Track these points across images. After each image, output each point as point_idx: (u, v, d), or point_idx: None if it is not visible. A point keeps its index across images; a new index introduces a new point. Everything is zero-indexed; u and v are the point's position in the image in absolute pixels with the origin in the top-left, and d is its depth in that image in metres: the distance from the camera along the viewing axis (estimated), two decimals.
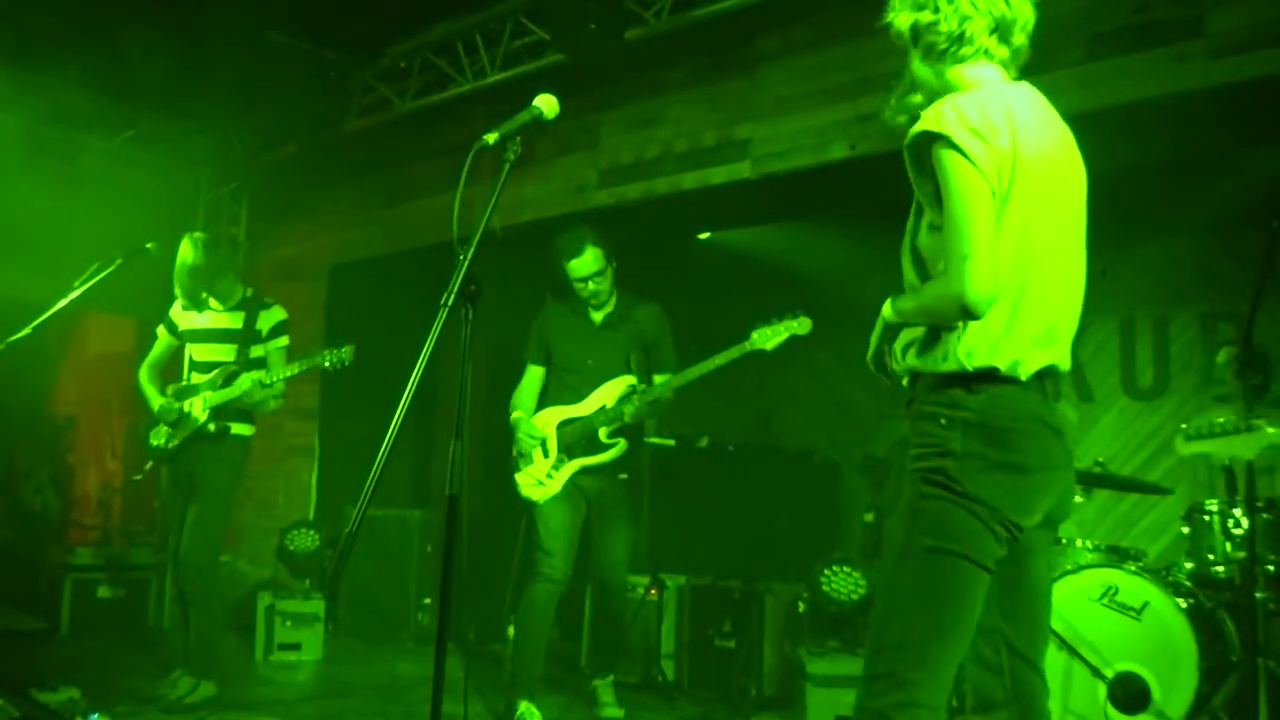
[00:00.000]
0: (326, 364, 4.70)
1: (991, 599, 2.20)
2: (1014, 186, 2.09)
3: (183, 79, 6.39)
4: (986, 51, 2.27)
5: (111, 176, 7.29)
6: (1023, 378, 2.12)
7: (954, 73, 2.28)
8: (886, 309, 2.29)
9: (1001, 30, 2.28)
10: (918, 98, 2.37)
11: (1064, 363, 2.21)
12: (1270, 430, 3.82)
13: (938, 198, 2.12)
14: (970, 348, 2.11)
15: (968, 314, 2.04)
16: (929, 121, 2.10)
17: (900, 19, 2.34)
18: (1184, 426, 4.02)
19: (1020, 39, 2.32)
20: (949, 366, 2.13)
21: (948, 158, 2.07)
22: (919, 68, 2.34)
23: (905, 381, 2.32)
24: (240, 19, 5.86)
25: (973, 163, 2.05)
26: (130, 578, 6.72)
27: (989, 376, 2.11)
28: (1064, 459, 2.20)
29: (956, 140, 2.06)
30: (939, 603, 2.09)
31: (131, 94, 6.91)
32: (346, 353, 4.71)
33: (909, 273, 2.27)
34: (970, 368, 2.11)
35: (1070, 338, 2.23)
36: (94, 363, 8.85)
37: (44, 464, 8.34)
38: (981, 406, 2.10)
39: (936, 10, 2.27)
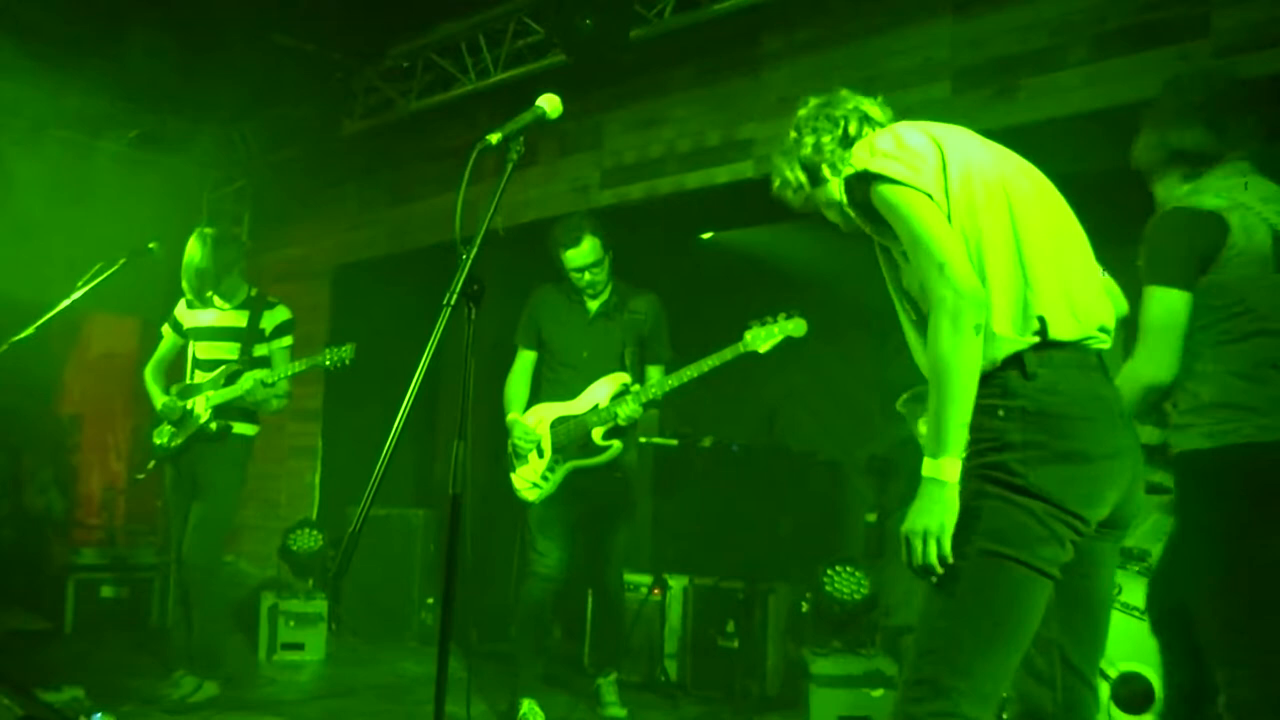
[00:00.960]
0: (328, 363, 4.70)
1: (1052, 610, 2.10)
2: (951, 190, 2.12)
3: (187, 80, 6.40)
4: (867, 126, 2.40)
5: (116, 177, 7.30)
6: (1063, 337, 2.06)
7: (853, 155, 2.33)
8: (932, 469, 2.03)
9: (864, 120, 2.40)
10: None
11: (1102, 340, 2.15)
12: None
13: (893, 232, 2.16)
14: (1002, 332, 2.06)
15: (977, 309, 2.00)
16: (859, 161, 2.18)
17: (792, 169, 2.46)
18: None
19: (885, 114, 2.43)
20: (990, 361, 2.05)
21: (883, 192, 2.13)
22: (830, 193, 2.41)
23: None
24: (244, 21, 5.87)
25: (903, 184, 2.09)
26: (134, 578, 6.73)
27: (1039, 348, 2.05)
28: (1130, 445, 2.12)
29: (878, 170, 2.12)
30: (991, 611, 2.00)
31: (136, 95, 6.93)
32: (347, 351, 4.71)
33: (906, 319, 2.27)
34: (1011, 351, 2.05)
35: (1100, 318, 2.16)
36: (98, 363, 8.86)
37: (48, 464, 8.35)
38: (1038, 393, 2.03)
39: (816, 132, 2.41)
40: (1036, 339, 2.05)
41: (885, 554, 5.42)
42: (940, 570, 1.99)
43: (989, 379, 2.05)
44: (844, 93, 2.45)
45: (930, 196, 2.09)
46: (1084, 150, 4.82)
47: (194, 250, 4.80)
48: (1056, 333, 2.06)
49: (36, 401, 8.26)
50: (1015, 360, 2.04)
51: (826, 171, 2.39)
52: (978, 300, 2.00)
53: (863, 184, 2.16)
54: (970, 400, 1.99)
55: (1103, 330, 2.15)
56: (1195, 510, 2.73)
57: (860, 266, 3.96)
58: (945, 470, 1.99)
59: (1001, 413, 2.03)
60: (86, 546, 6.92)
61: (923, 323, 2.14)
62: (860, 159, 2.17)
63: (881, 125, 2.38)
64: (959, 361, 1.98)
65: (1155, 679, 3.94)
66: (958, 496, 2.00)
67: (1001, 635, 2.00)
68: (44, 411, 8.54)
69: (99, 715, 4.14)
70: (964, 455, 2.02)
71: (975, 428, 2.03)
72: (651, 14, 5.44)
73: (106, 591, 6.63)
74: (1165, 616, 2.96)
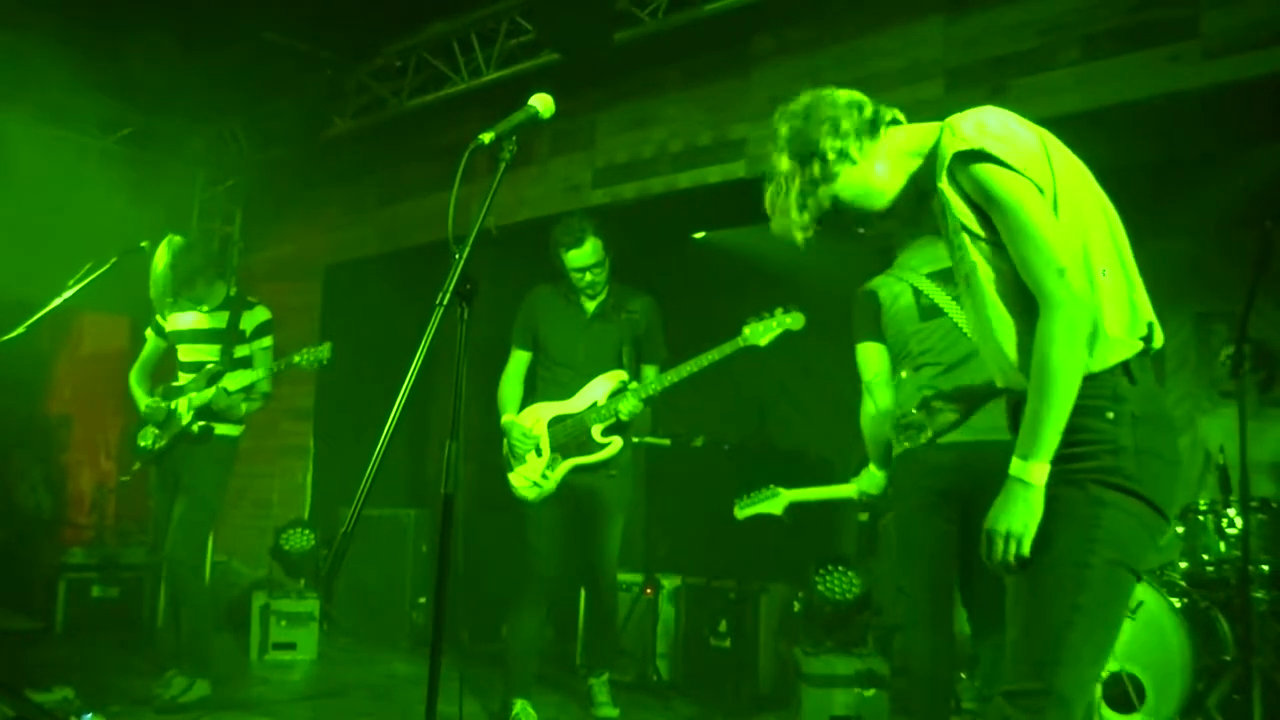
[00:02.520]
0: (303, 363, 4.68)
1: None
2: (1057, 184, 2.06)
3: (178, 78, 6.39)
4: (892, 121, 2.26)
5: (107, 175, 7.28)
6: (1157, 344, 2.08)
7: (884, 144, 2.23)
8: (1021, 469, 2.02)
9: (873, 121, 2.24)
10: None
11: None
12: (784, 493, 4.09)
13: (985, 219, 2.08)
14: (1115, 334, 2.03)
15: (1090, 317, 1.98)
16: (955, 142, 2.05)
17: (783, 159, 2.27)
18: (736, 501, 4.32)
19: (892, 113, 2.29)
20: (1103, 363, 2.03)
21: (996, 174, 2.02)
22: (857, 179, 2.24)
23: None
24: (236, 18, 5.86)
25: (1016, 171, 2.01)
26: (124, 577, 6.71)
27: (1143, 353, 2.05)
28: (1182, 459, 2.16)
29: (990, 150, 2.02)
30: (1112, 621, 2.04)
31: (127, 93, 6.91)
32: (323, 351, 4.69)
33: (985, 309, 2.13)
34: (1124, 355, 2.03)
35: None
36: (88, 362, 8.83)
37: (38, 463, 8.32)
38: (1142, 398, 2.02)
39: (830, 119, 2.22)
40: (1143, 344, 2.06)
41: (877, 553, 5.43)
42: (1017, 568, 2.02)
43: (1097, 380, 2.02)
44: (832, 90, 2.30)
45: (1041, 191, 2.03)
46: (1073, 151, 4.84)
47: (157, 260, 4.78)
48: (1156, 339, 2.08)
49: (26, 401, 8.24)
50: (1123, 364, 2.04)
51: (853, 151, 2.20)
52: (1092, 309, 1.99)
53: (963, 160, 2.04)
54: (1069, 407, 1.98)
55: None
56: None
57: (854, 265, 3.98)
58: (1034, 473, 2.00)
59: (1111, 415, 2.01)
60: (77, 546, 6.90)
61: (1015, 315, 2.09)
62: (966, 136, 2.04)
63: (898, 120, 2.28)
64: (1069, 368, 1.97)
65: (1145, 678, 3.96)
66: (1043, 499, 2.00)
67: (1110, 642, 2.05)
68: (34, 411, 8.52)
69: (90, 715, 4.13)
70: (1057, 458, 2.01)
71: (1079, 429, 2.01)
72: (644, 14, 5.44)
73: (97, 591, 6.61)
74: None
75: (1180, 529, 4.44)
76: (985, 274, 2.11)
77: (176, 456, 4.81)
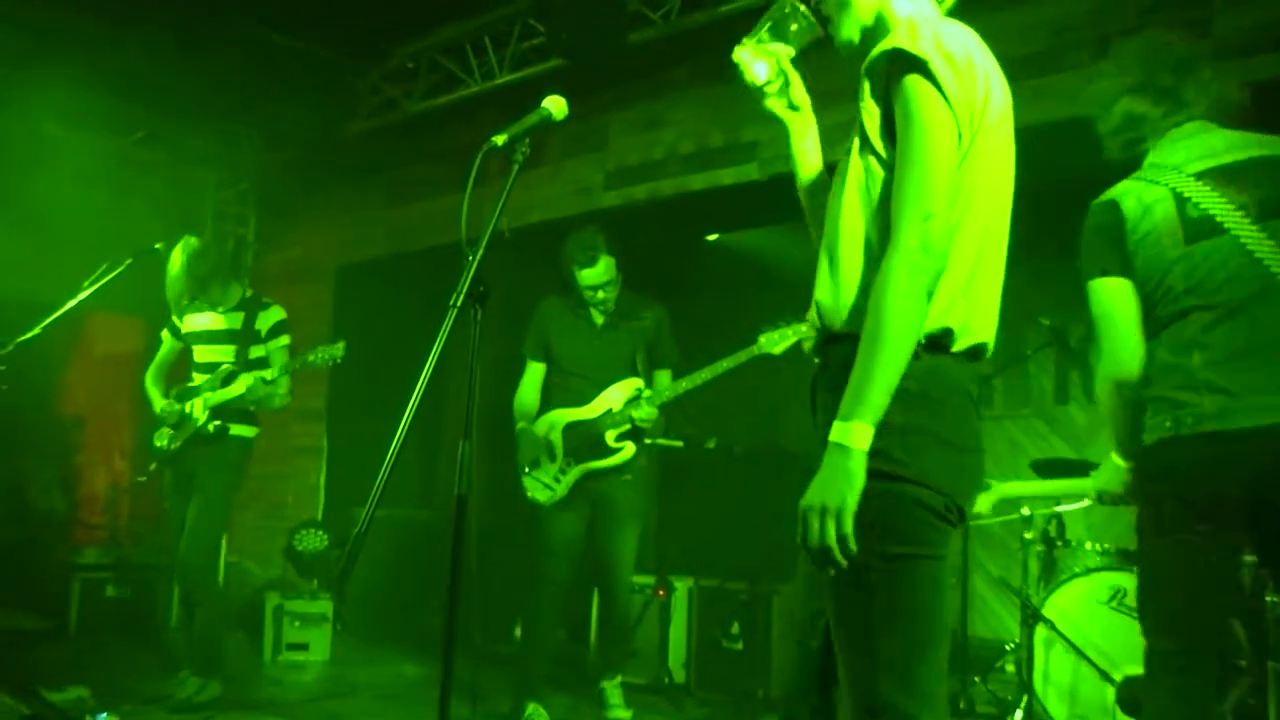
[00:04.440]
0: (316, 361, 4.70)
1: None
2: (976, 139, 1.84)
3: (192, 81, 6.42)
4: None
5: (120, 178, 7.31)
6: (963, 346, 1.85)
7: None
8: (843, 432, 1.75)
9: None
10: (809, 33, 2.14)
11: (991, 347, 1.94)
12: (997, 486, 3.77)
13: (889, 131, 1.86)
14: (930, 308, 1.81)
15: (934, 277, 1.77)
16: (898, 40, 1.83)
17: None
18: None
19: None
20: None
21: (920, 89, 1.79)
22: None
23: (811, 345, 2.00)
24: (249, 21, 5.88)
25: (948, 101, 1.79)
26: (138, 577, 6.73)
27: (936, 343, 1.83)
28: (982, 443, 1.93)
29: (934, 70, 1.79)
30: (923, 612, 1.82)
31: (141, 96, 6.93)
32: (338, 350, 4.70)
33: (855, 225, 1.90)
34: (927, 332, 1.81)
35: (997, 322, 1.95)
36: (102, 363, 8.86)
37: (52, 464, 8.35)
38: (923, 374, 1.79)
39: None
40: (951, 334, 1.85)
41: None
42: (841, 557, 1.72)
43: None
44: None
45: (960, 137, 1.82)
46: (1086, 152, 4.82)
47: (172, 262, 4.81)
48: (963, 341, 1.86)
49: (40, 401, 8.26)
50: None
51: None
52: (939, 265, 1.78)
53: (900, 62, 1.82)
54: (902, 366, 1.74)
55: (990, 346, 1.95)
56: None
57: None
58: (857, 436, 1.73)
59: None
60: (90, 546, 6.93)
61: (867, 246, 1.89)
62: (920, 43, 1.80)
63: None
64: (907, 320, 1.74)
65: None
66: (864, 468, 1.73)
67: (936, 632, 1.85)
68: (48, 411, 8.55)
69: (103, 715, 4.15)
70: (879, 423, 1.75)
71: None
72: (656, 16, 5.44)
73: (110, 591, 6.64)
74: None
75: None
76: (856, 183, 1.91)
77: (191, 458, 4.83)
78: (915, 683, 1.80)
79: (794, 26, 2.16)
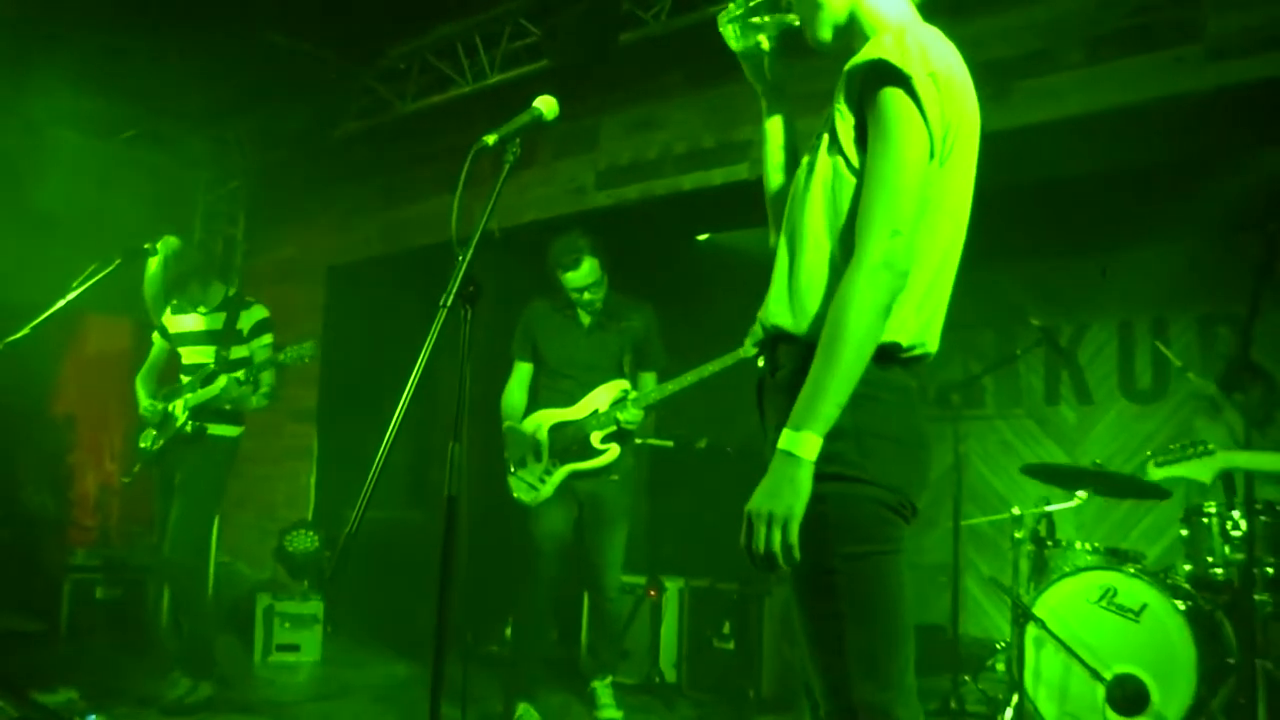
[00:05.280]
0: (287, 360, 4.68)
1: None
2: (949, 158, 1.86)
3: (181, 80, 6.39)
4: None
5: (110, 177, 7.28)
6: (909, 356, 1.89)
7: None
8: (793, 441, 1.77)
9: None
10: (793, 18, 2.11)
11: (934, 353, 1.97)
12: (1222, 454, 3.75)
13: (861, 139, 1.86)
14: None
15: (895, 294, 1.79)
16: (884, 50, 1.81)
17: None
18: (1151, 455, 3.94)
19: None
20: None
21: (900, 104, 1.79)
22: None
23: (753, 349, 2.04)
24: (239, 20, 5.86)
25: (925, 119, 1.80)
26: (129, 578, 6.71)
27: (885, 354, 1.84)
28: (928, 437, 1.95)
29: (916, 87, 1.79)
30: (888, 609, 1.84)
31: (130, 95, 6.91)
32: (306, 349, 4.68)
33: (818, 227, 1.91)
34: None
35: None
36: (92, 363, 8.83)
37: (42, 464, 8.33)
38: (870, 380, 1.80)
39: None
40: (899, 348, 1.88)
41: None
42: (785, 560, 1.77)
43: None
44: None
45: (932, 153, 1.82)
46: (1077, 153, 4.84)
47: (153, 260, 4.79)
48: (913, 354, 1.90)
49: (30, 402, 8.24)
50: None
51: None
52: (901, 283, 1.80)
53: (880, 74, 1.81)
54: (855, 380, 1.77)
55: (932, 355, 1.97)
56: None
57: None
58: (806, 446, 1.76)
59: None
60: (81, 547, 6.91)
61: (830, 252, 1.90)
62: (898, 50, 1.80)
63: None
64: (864, 336, 1.76)
65: (1150, 681, 3.96)
66: (811, 478, 1.76)
67: (900, 627, 1.88)
68: (38, 412, 8.52)
69: (93, 717, 4.14)
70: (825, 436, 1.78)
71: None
72: (648, 16, 5.44)
73: (101, 592, 6.61)
74: None
75: (1185, 532, 4.44)
76: (823, 184, 1.92)
77: (173, 458, 4.82)
78: (887, 677, 1.83)
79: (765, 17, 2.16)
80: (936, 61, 1.83)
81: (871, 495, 1.82)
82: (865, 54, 1.86)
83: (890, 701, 1.82)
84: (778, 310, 1.97)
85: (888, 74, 1.80)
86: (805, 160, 2.03)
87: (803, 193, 1.97)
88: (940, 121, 1.82)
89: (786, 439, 1.78)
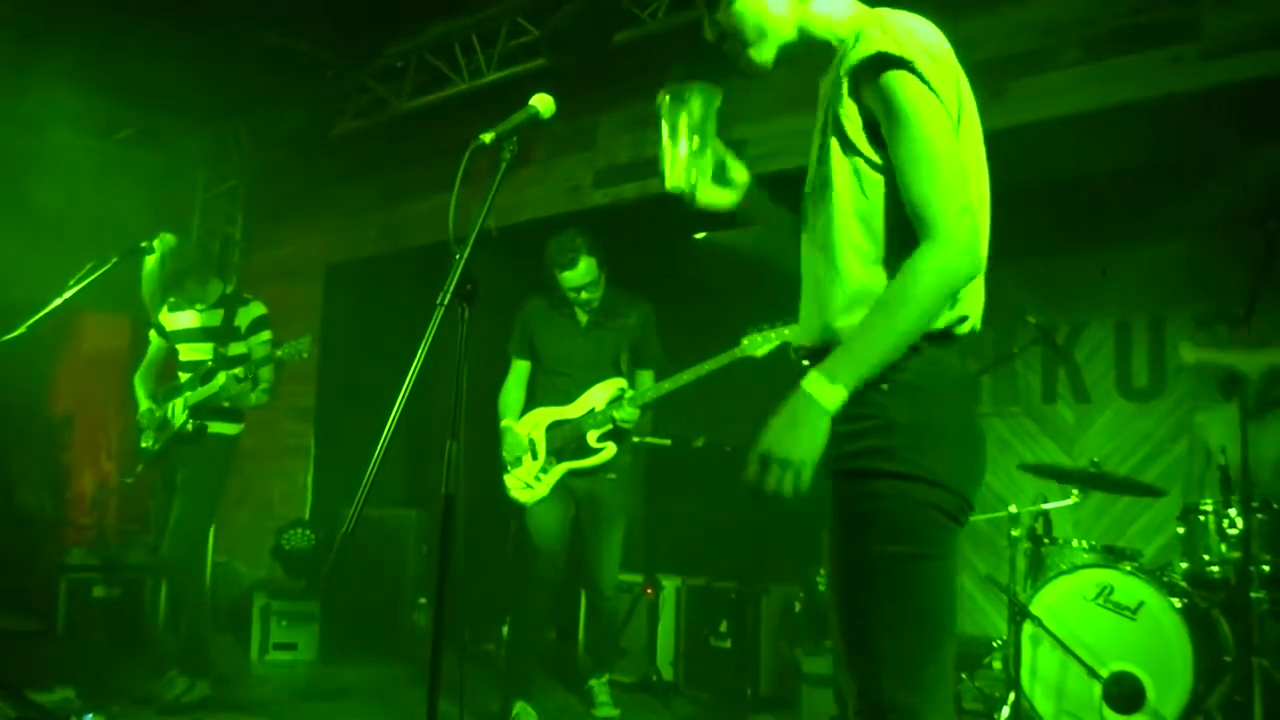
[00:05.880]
0: (285, 356, 4.68)
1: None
2: (961, 129, 1.84)
3: (179, 79, 6.39)
4: None
5: (108, 176, 7.28)
6: (966, 330, 1.85)
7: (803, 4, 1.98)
8: (821, 388, 1.73)
9: None
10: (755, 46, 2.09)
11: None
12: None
13: (873, 135, 1.84)
14: None
15: (973, 274, 1.77)
16: (878, 43, 1.79)
17: None
18: (1186, 340, 3.88)
19: None
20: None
21: (911, 86, 1.77)
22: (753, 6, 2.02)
23: (798, 353, 1.99)
24: (237, 19, 5.86)
25: (938, 95, 1.77)
26: (126, 578, 6.70)
27: (946, 333, 1.82)
28: (983, 431, 1.93)
29: (920, 67, 1.76)
30: (924, 613, 1.79)
31: (128, 94, 6.91)
32: (303, 344, 4.68)
33: (851, 231, 1.87)
34: (939, 325, 1.80)
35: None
36: (89, 362, 8.84)
37: (39, 463, 8.33)
38: (925, 368, 1.79)
39: None
40: (959, 323, 1.86)
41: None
42: (791, 501, 1.73)
43: None
44: None
45: (954, 124, 1.80)
46: (1074, 152, 4.84)
47: (149, 258, 4.79)
48: (967, 328, 1.87)
49: (28, 400, 8.24)
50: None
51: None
52: (978, 266, 1.78)
53: (882, 64, 1.78)
54: (901, 350, 1.74)
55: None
56: None
57: None
58: (832, 397, 1.72)
59: (886, 386, 1.80)
60: (78, 546, 6.90)
61: (864, 254, 1.87)
62: (892, 40, 1.79)
63: None
64: (925, 310, 1.73)
65: (1146, 679, 3.96)
66: (828, 430, 1.73)
67: (939, 632, 1.83)
68: (35, 410, 8.52)
69: (90, 716, 4.13)
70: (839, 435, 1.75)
71: (853, 404, 1.77)
72: (645, 14, 5.44)
73: (98, 591, 6.61)
74: None
75: (1181, 530, 4.44)
76: (846, 191, 1.88)
77: (174, 457, 4.81)
78: (921, 683, 1.79)
79: (683, 116, 2.26)
80: (927, 41, 1.82)
81: (929, 498, 1.77)
82: (860, 51, 1.83)
83: (919, 704, 1.78)
84: (833, 316, 1.90)
85: (891, 63, 1.78)
86: (811, 175, 2.01)
87: (825, 205, 1.93)
88: (952, 98, 1.81)
89: (816, 384, 1.73)
